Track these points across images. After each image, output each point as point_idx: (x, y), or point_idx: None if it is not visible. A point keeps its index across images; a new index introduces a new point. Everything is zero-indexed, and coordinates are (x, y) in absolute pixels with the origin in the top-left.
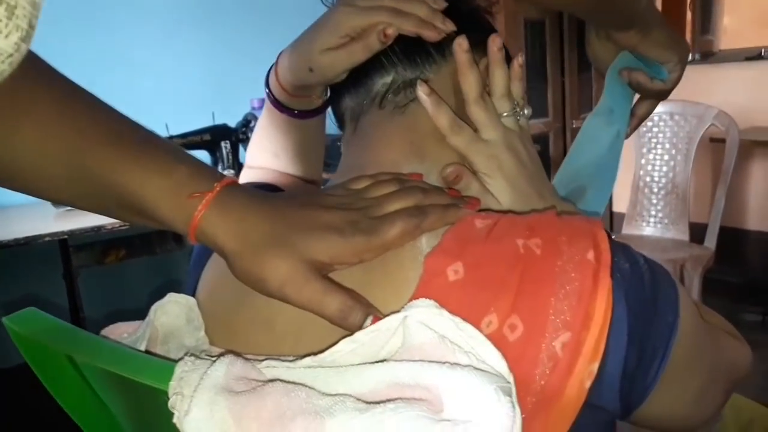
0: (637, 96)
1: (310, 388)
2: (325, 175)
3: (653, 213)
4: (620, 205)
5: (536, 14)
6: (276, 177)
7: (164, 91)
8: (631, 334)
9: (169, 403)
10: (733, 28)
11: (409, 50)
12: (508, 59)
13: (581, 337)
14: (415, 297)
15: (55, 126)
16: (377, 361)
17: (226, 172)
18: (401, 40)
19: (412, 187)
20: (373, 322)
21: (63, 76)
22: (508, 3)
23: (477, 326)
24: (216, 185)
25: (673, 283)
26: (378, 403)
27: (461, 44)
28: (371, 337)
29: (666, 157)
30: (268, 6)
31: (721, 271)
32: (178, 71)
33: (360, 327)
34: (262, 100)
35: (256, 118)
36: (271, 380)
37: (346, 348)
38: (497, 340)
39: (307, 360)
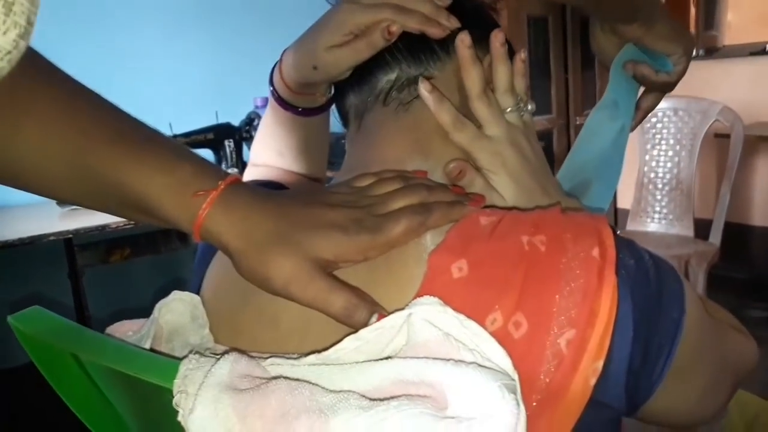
0: (642, 89)
1: (314, 385)
2: (329, 173)
3: (658, 209)
4: (625, 202)
5: (539, 11)
6: (280, 175)
7: (167, 90)
8: (636, 331)
9: (174, 401)
10: (737, 23)
11: (414, 47)
12: (512, 55)
13: (586, 334)
14: (419, 294)
15: (57, 124)
16: (382, 359)
17: (229, 171)
18: (405, 37)
19: (416, 184)
20: (378, 319)
21: (66, 74)
22: (511, 0)
23: (481, 324)
24: (220, 183)
25: (679, 278)
26: (382, 400)
27: (463, 40)
28: (376, 335)
29: (670, 153)
30: (271, 5)
31: (726, 267)
32: (181, 70)
33: (365, 325)
34: (266, 99)
35: (259, 117)
36: (275, 378)
37: (350, 345)
38: (502, 337)
39: (312, 357)
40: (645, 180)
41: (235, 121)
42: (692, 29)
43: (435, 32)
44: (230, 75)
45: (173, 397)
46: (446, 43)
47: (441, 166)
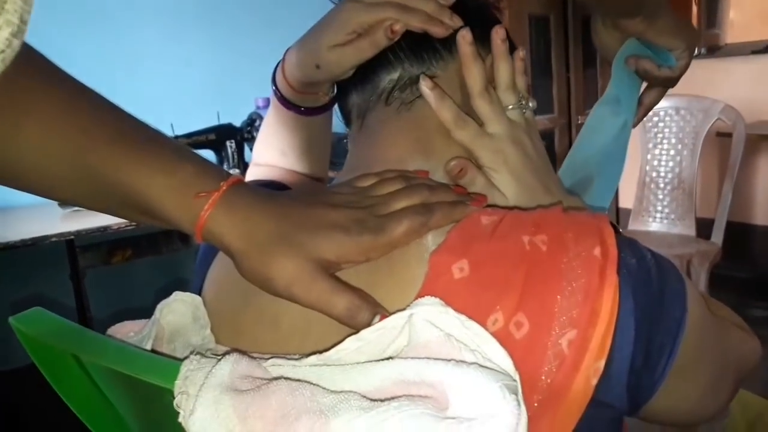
0: (644, 84)
1: (315, 386)
2: (330, 174)
3: (659, 208)
4: (626, 201)
5: (541, 10)
6: (283, 174)
7: (169, 91)
8: (638, 330)
9: (175, 402)
10: (739, 21)
11: (416, 46)
12: (512, 51)
13: (588, 334)
14: (420, 295)
15: (58, 124)
16: (383, 359)
17: (231, 172)
18: (408, 36)
19: (418, 184)
20: (380, 320)
21: (67, 75)
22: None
23: (483, 324)
24: (222, 184)
25: (681, 277)
26: (383, 400)
27: (464, 36)
28: (377, 335)
29: (672, 152)
30: (272, 6)
31: (728, 267)
32: (183, 71)
33: (368, 326)
34: (267, 100)
35: (261, 118)
36: (276, 379)
37: (351, 346)
38: (503, 338)
39: (313, 358)
40: (647, 179)
41: (237, 122)
42: None
43: (438, 31)
44: (232, 76)
45: (174, 398)
46: (449, 43)
47: (443, 165)
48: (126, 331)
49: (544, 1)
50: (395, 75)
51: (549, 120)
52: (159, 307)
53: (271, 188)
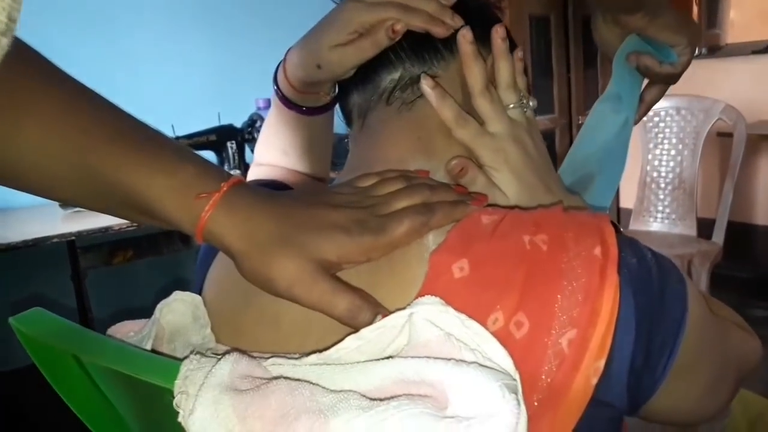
0: (645, 81)
1: (314, 385)
2: (332, 174)
3: (660, 209)
4: (627, 201)
5: (541, 10)
6: (284, 174)
7: (170, 92)
8: (638, 330)
9: (174, 402)
10: (739, 21)
11: (418, 46)
12: (513, 50)
13: (588, 333)
14: (420, 294)
15: (58, 124)
16: (383, 358)
17: (232, 172)
18: (410, 36)
19: (419, 184)
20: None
21: (67, 75)
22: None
23: (483, 323)
24: (223, 185)
25: (681, 277)
26: (383, 400)
27: (465, 35)
28: (377, 334)
29: (673, 152)
30: (273, 6)
31: (729, 267)
32: (183, 72)
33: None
34: (268, 101)
35: (261, 119)
36: (276, 378)
37: (351, 345)
38: (503, 337)
39: (313, 357)
40: (647, 179)
41: (238, 123)
42: None
43: (439, 31)
44: (232, 77)
45: (174, 397)
46: (450, 43)
47: (444, 165)
48: (126, 330)
49: (545, 1)
50: (396, 75)
51: (550, 120)
52: (159, 306)
53: (272, 188)
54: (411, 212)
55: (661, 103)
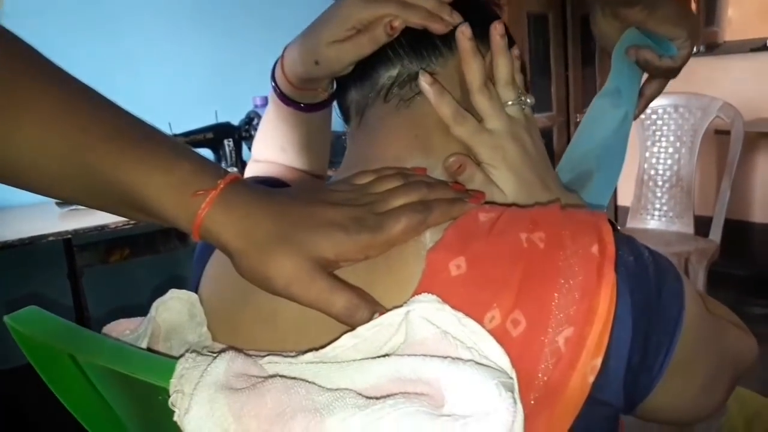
0: (645, 76)
1: (310, 383)
2: (329, 172)
3: (658, 206)
4: (625, 199)
5: (539, 8)
6: (282, 171)
7: (167, 90)
8: (635, 328)
9: (170, 401)
10: (737, 19)
11: (416, 43)
12: (511, 47)
13: (584, 331)
14: (417, 292)
15: (57, 122)
16: (379, 356)
17: (229, 170)
18: (408, 32)
19: (416, 181)
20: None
21: (66, 73)
22: None
23: (480, 321)
24: (220, 182)
25: (678, 275)
26: (379, 398)
27: (464, 31)
28: (373, 332)
29: (670, 150)
30: (270, 5)
31: (727, 264)
32: (181, 70)
33: None
34: (265, 98)
35: (258, 116)
36: (272, 376)
37: (348, 343)
38: (500, 335)
39: (309, 355)
40: (645, 177)
41: (235, 121)
42: None
43: (437, 28)
44: (229, 74)
45: (169, 396)
46: (449, 39)
47: (441, 162)
48: (121, 329)
49: (543, 0)
50: (394, 71)
51: (547, 118)
52: (155, 304)
53: (270, 185)
54: (408, 210)
55: (659, 101)
